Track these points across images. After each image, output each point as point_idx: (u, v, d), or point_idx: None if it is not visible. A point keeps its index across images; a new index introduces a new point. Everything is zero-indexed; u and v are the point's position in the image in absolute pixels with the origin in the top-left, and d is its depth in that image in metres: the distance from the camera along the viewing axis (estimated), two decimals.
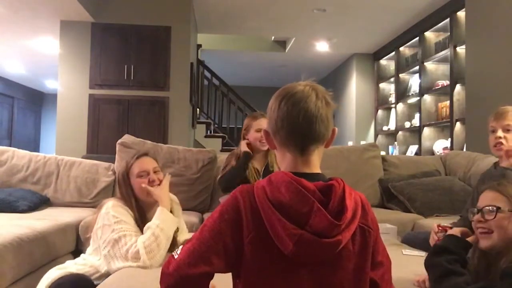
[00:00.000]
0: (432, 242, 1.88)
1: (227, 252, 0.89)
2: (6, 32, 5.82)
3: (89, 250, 1.79)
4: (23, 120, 10.09)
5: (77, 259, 1.82)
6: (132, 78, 5.07)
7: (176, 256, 0.91)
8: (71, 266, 1.73)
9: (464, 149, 4.37)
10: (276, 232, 0.87)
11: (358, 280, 0.95)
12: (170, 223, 1.71)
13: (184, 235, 1.99)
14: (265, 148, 2.60)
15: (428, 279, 1.40)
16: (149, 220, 1.75)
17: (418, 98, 5.77)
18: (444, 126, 5.31)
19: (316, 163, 1.01)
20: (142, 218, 1.77)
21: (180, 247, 0.94)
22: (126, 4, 5.14)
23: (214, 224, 0.91)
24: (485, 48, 4.13)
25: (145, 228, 1.68)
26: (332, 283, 0.92)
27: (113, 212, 1.69)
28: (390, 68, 6.99)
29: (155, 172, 1.84)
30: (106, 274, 1.67)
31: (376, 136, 7.08)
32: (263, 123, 2.56)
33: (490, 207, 1.29)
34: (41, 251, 2.15)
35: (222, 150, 5.88)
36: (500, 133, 1.96)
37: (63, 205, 2.94)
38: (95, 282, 1.67)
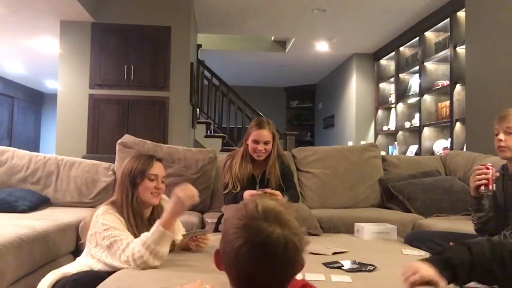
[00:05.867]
0: (472, 184, 1.94)
1: None
2: (6, 32, 5.82)
3: (84, 252, 1.81)
4: (23, 120, 10.09)
5: (72, 262, 1.83)
6: (132, 78, 5.07)
7: None
8: (66, 269, 1.74)
9: (464, 149, 4.37)
10: None
11: None
12: (165, 244, 1.64)
13: (180, 234, 2.00)
14: (261, 159, 2.56)
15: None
16: (145, 217, 1.80)
17: (418, 98, 5.77)
18: (444, 126, 5.31)
19: None
20: (137, 218, 1.78)
21: None
22: (126, 4, 5.14)
23: None
24: (485, 48, 4.13)
25: (141, 241, 1.63)
26: None
27: (102, 220, 1.71)
28: (390, 68, 6.99)
29: (162, 181, 1.87)
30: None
31: (376, 136, 7.08)
32: (262, 136, 2.52)
33: None
34: (41, 251, 2.15)
35: (222, 150, 5.88)
36: (501, 135, 1.96)
37: (63, 205, 2.94)
38: None
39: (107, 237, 1.66)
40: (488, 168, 1.91)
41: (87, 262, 1.74)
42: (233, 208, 0.91)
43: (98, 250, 1.70)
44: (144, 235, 1.64)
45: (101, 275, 1.59)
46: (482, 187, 1.92)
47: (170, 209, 1.65)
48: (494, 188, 1.93)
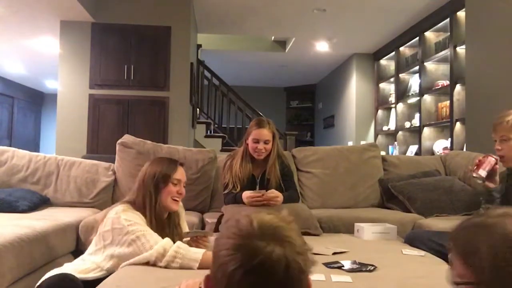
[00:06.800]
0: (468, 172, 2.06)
1: None
2: (6, 32, 5.82)
3: (89, 250, 1.80)
4: (23, 120, 10.08)
5: (75, 260, 1.83)
6: (132, 78, 5.06)
7: None
8: (70, 267, 1.73)
9: (464, 149, 4.37)
10: None
11: None
12: (181, 265, 1.64)
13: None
14: (261, 158, 2.56)
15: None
16: (164, 220, 1.81)
17: (418, 98, 5.77)
18: (444, 126, 5.31)
19: None
20: (158, 222, 1.80)
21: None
22: (126, 4, 5.14)
23: None
24: (485, 48, 4.12)
25: (174, 250, 1.65)
26: None
27: (125, 216, 1.71)
28: (390, 68, 6.99)
29: (184, 186, 1.89)
30: (107, 270, 1.69)
31: (376, 136, 7.08)
32: (262, 135, 2.52)
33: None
34: (41, 251, 2.15)
35: (222, 150, 5.88)
36: (498, 145, 1.98)
37: (63, 205, 2.94)
38: (93, 275, 1.68)
39: (132, 231, 1.66)
40: (486, 157, 1.95)
41: (95, 259, 1.73)
42: (224, 226, 0.80)
43: (113, 246, 1.69)
44: (185, 246, 1.67)
45: (74, 279, 1.59)
46: (474, 172, 2.00)
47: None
48: (483, 175, 1.99)
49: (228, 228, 0.76)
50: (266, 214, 0.77)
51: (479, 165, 1.99)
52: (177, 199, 1.85)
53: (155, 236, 1.68)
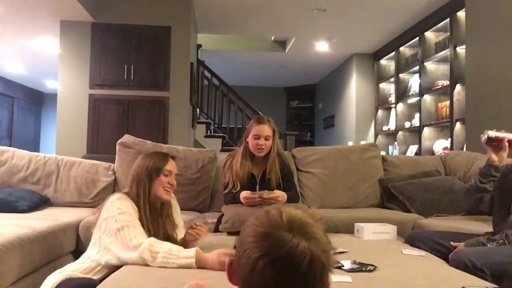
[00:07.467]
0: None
1: None
2: (6, 32, 5.82)
3: (90, 243, 1.82)
4: (23, 120, 10.08)
5: (77, 260, 1.83)
6: (132, 78, 5.06)
7: None
8: (72, 267, 1.73)
9: (464, 149, 4.37)
10: None
11: None
12: (178, 264, 1.63)
13: (182, 232, 2.01)
14: (262, 155, 2.56)
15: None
16: (157, 210, 1.86)
17: (418, 98, 5.77)
18: (444, 126, 5.31)
19: None
20: (152, 211, 1.84)
21: None
22: (126, 4, 5.14)
23: None
24: (485, 48, 4.13)
25: (169, 246, 1.65)
26: None
27: (118, 204, 1.74)
28: (390, 68, 6.99)
29: (175, 178, 1.94)
30: (107, 266, 1.71)
31: (376, 136, 7.08)
32: (263, 130, 2.52)
33: None
34: (41, 251, 2.15)
35: (222, 150, 5.88)
36: None
37: (63, 205, 2.94)
38: (97, 277, 1.70)
39: (119, 220, 1.69)
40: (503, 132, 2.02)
41: (94, 256, 1.75)
42: (254, 215, 0.80)
43: (106, 237, 1.71)
44: (176, 246, 1.67)
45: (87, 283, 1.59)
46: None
47: (213, 262, 1.59)
48: (490, 134, 2.03)
49: (257, 218, 0.78)
50: (295, 208, 0.79)
51: (497, 130, 2.02)
52: (169, 189, 1.91)
53: (137, 231, 1.69)
